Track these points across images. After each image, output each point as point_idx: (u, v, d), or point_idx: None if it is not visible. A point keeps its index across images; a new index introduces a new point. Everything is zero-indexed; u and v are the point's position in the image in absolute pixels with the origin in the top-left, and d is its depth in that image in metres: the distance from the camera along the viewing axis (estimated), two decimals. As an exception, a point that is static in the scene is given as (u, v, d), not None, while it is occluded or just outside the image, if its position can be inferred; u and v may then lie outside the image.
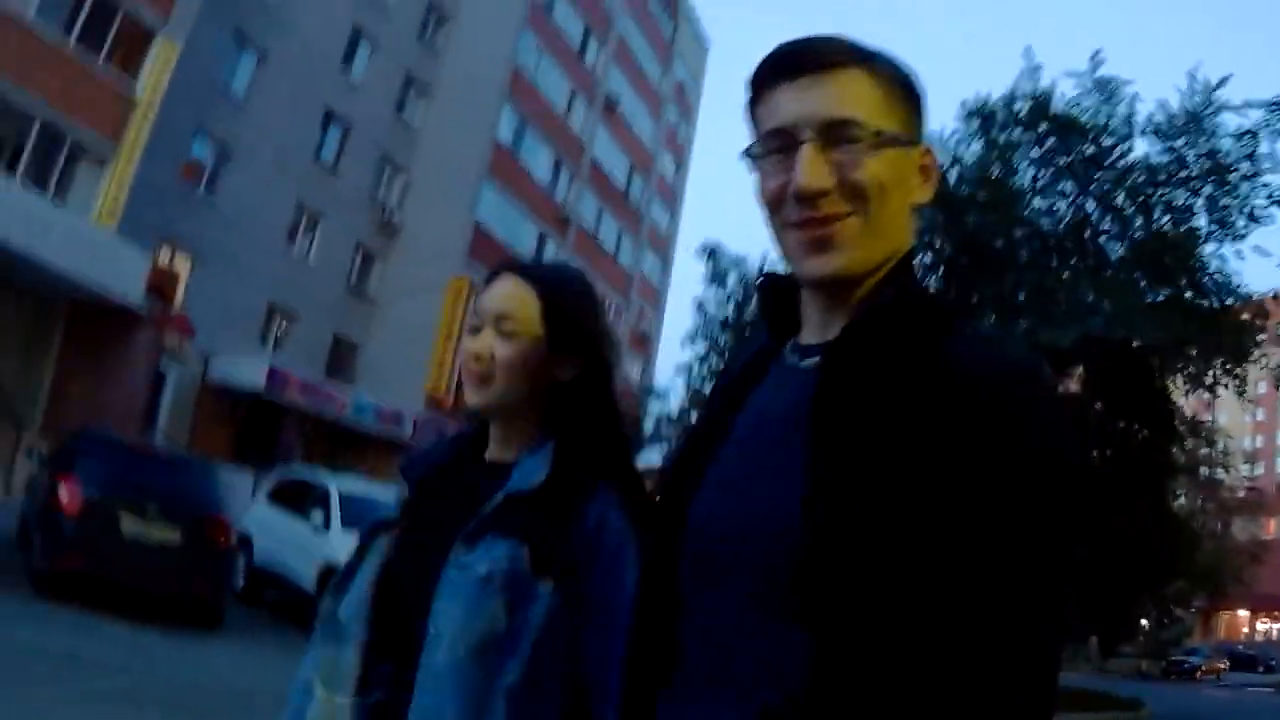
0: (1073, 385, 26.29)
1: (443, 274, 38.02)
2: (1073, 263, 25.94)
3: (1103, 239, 26.65)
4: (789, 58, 1.55)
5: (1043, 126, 25.79)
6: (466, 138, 39.72)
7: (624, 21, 50.82)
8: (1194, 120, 24.51)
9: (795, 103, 1.53)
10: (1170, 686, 50.29)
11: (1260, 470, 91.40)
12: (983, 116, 26.68)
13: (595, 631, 1.96)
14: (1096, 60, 25.44)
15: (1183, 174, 25.03)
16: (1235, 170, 24.46)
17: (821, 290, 1.59)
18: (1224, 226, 24.88)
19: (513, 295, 2.18)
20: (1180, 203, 25.45)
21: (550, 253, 45.04)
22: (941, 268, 27.23)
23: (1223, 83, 24.13)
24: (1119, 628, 41.82)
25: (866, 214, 1.51)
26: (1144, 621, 51.12)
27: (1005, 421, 1.37)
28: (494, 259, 38.75)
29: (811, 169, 1.49)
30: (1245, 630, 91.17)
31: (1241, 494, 63.51)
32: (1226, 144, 24.40)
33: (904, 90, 1.58)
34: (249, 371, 31.26)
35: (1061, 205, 26.88)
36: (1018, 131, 26.20)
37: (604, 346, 2.27)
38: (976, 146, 26.82)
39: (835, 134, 1.50)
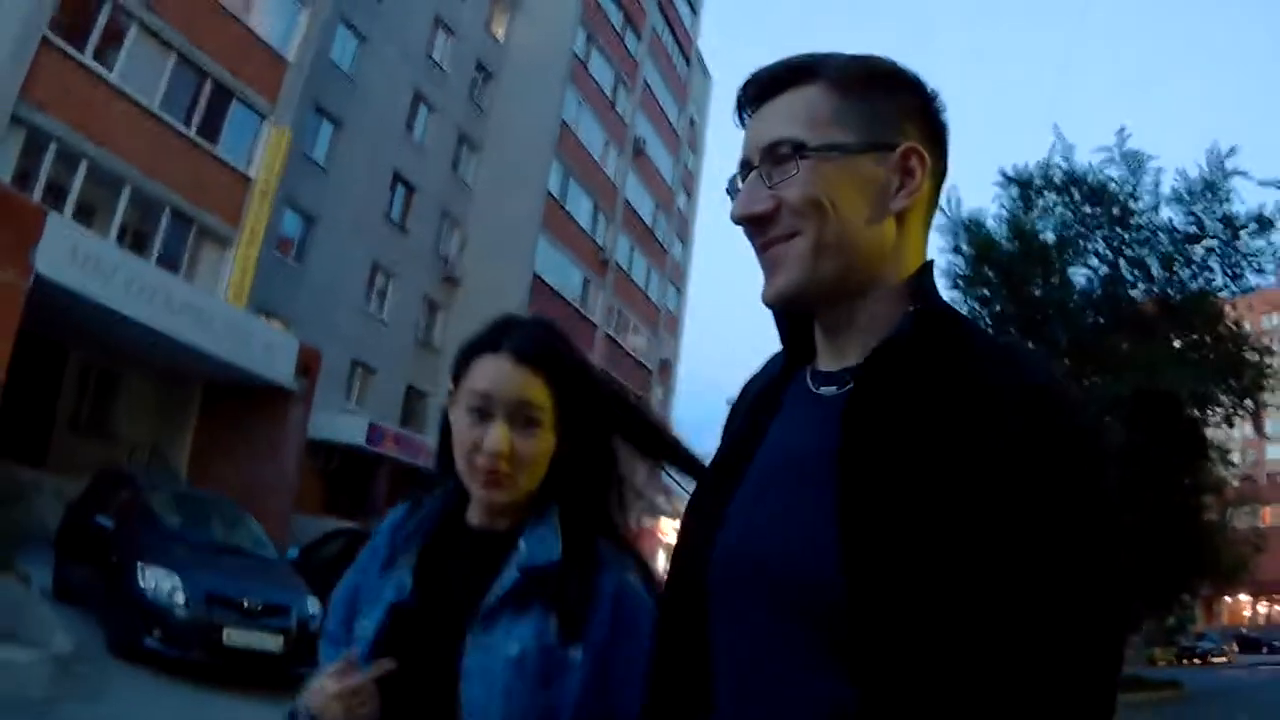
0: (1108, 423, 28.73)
1: (502, 322, 38.79)
2: (1105, 316, 29.89)
3: (1133, 293, 30.31)
4: (749, 87, 1.54)
5: (1075, 192, 29.75)
6: (519, 191, 40.77)
7: (648, 67, 51.95)
8: (1210, 188, 28.25)
9: (751, 132, 1.52)
10: (1188, 671, 52.04)
11: (1252, 458, 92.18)
12: (1020, 183, 30.52)
13: (630, 697, 1.85)
14: (1123, 135, 29.17)
15: (1200, 234, 28.78)
16: (1245, 228, 28.22)
17: (813, 310, 1.55)
18: (1236, 280, 28.88)
19: (527, 383, 2.07)
20: (1199, 259, 29.17)
21: (593, 294, 46.29)
22: (991, 318, 30.48)
23: (1232, 152, 27.90)
24: (1137, 622, 44.25)
25: (806, 233, 1.45)
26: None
27: (1042, 443, 1.32)
28: (552, 308, 40.25)
29: (746, 195, 1.49)
30: (1247, 614, 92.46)
31: (1237, 484, 64.75)
32: (1238, 207, 28.20)
33: (874, 91, 1.50)
34: (350, 428, 32.36)
35: (1094, 262, 30.58)
36: (1052, 196, 30.22)
37: (605, 412, 2.20)
38: (1012, 207, 30.90)
39: (774, 156, 1.47)
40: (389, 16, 35.85)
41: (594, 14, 46.07)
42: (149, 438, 26.10)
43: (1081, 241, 30.51)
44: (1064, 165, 30.04)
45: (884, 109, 1.48)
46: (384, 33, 35.67)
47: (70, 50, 23.56)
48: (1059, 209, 30.57)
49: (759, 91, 1.53)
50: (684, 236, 61.12)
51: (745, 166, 1.52)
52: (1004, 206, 31.21)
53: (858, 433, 1.40)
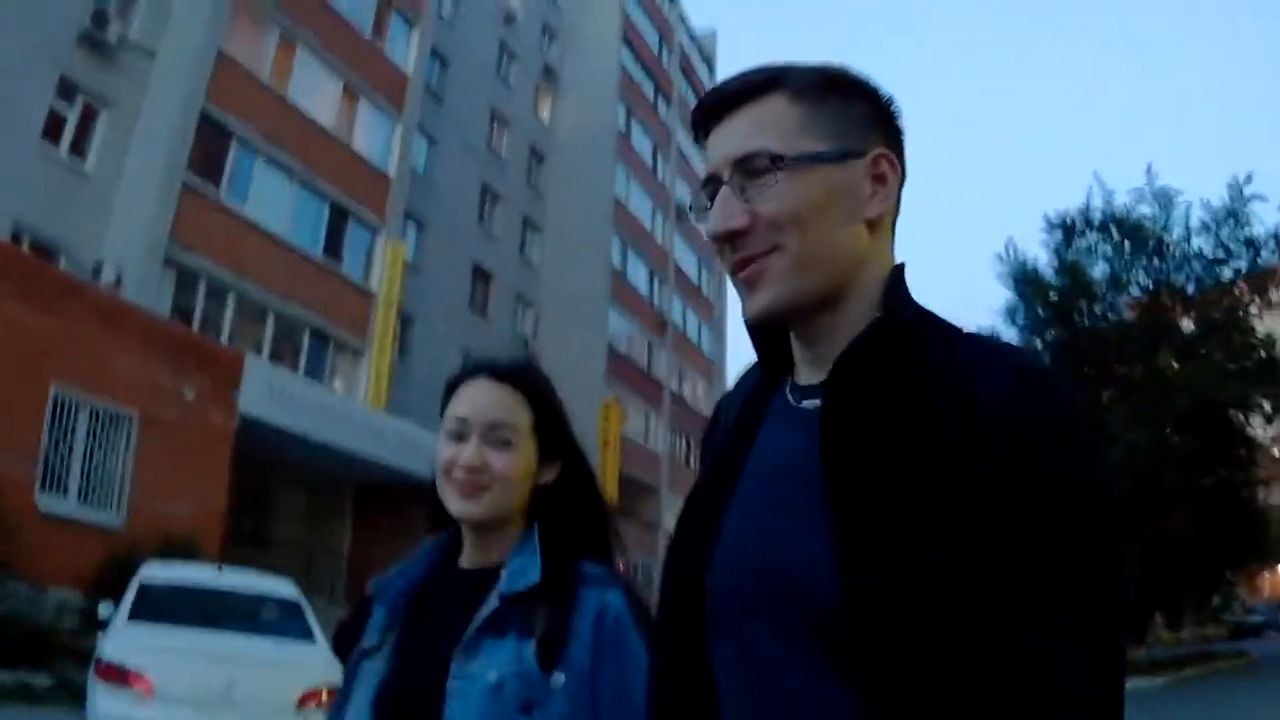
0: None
1: (581, 395, 39.53)
2: (1152, 339, 32.92)
3: (1174, 316, 33.63)
4: (709, 102, 1.49)
5: (1114, 231, 33.16)
6: (583, 267, 41.66)
7: (679, 132, 52.92)
8: (1232, 215, 31.82)
9: (716, 146, 1.46)
10: (1244, 643, 52.81)
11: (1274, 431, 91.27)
12: (1064, 227, 34.08)
13: (616, 713, 1.89)
14: (1152, 173, 32.88)
15: (1227, 257, 32.63)
16: (1265, 248, 31.97)
17: (790, 328, 1.51)
18: (1261, 295, 32.56)
19: (501, 402, 2.08)
20: (1228, 279, 32.93)
21: (656, 356, 47.44)
22: (1044, 347, 34.21)
23: (1249, 179, 31.61)
24: (1185, 604, 45.74)
25: (788, 246, 1.40)
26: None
27: (1033, 433, 1.29)
28: (628, 377, 40.93)
29: (721, 211, 1.42)
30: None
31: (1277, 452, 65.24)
32: (1258, 230, 31.82)
33: (837, 99, 1.46)
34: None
35: (1135, 291, 33.98)
36: (1094, 236, 33.71)
37: (576, 444, 2.20)
38: (1056, 247, 34.39)
39: (747, 170, 1.41)
40: (451, 115, 36.86)
41: (630, 88, 47.14)
42: (302, 543, 26.74)
43: (1124, 275, 33.50)
44: (1102, 208, 33.38)
45: (848, 116, 1.45)
46: (449, 131, 36.70)
47: (207, 190, 24.60)
48: (1101, 246, 33.89)
49: (721, 106, 1.47)
50: (719, 281, 61.79)
51: (712, 182, 1.46)
52: (1050, 248, 34.41)
53: (837, 442, 1.36)
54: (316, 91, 28.13)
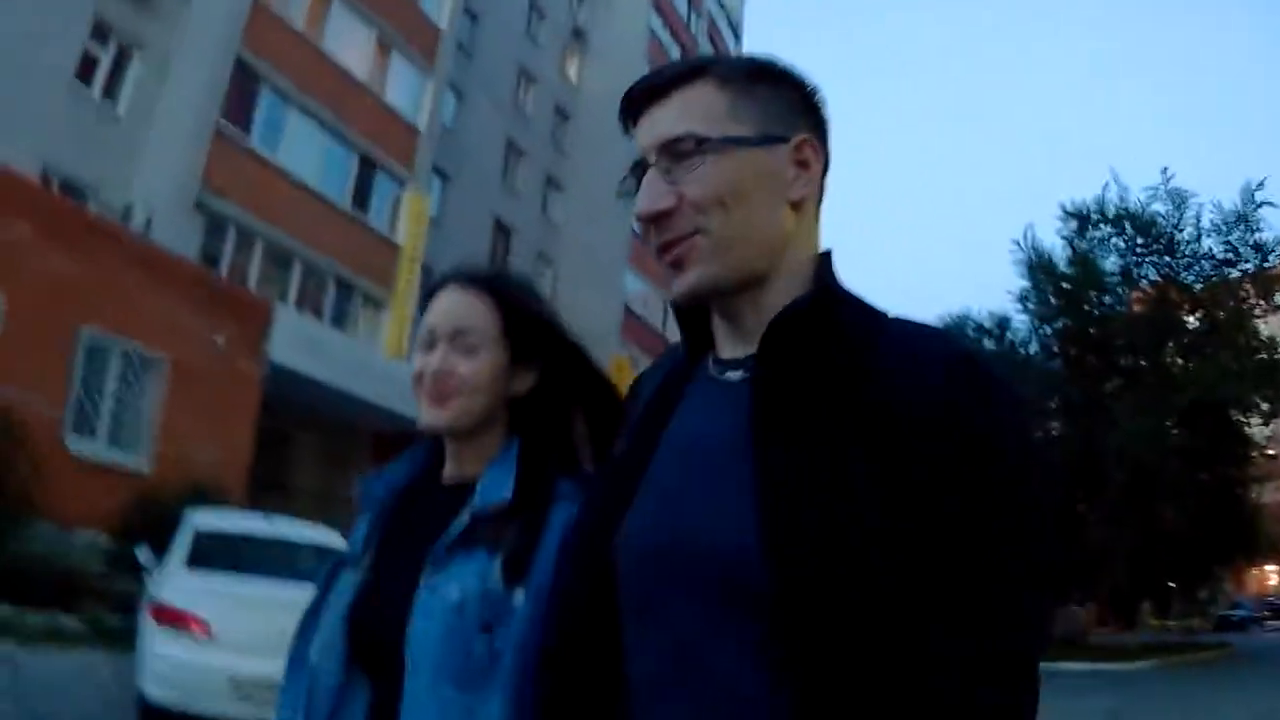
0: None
1: (595, 352, 39.53)
2: (1158, 334, 33.76)
3: (1180, 313, 34.46)
4: (639, 89, 1.50)
5: (1127, 225, 33.88)
6: (603, 227, 41.51)
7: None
8: (1242, 219, 32.66)
9: (644, 131, 1.48)
10: (1227, 636, 53.73)
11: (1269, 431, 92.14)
12: (1079, 217, 34.68)
13: None
14: (1167, 175, 33.55)
15: (1236, 259, 33.47)
16: (1274, 252, 32.81)
17: (714, 307, 1.51)
18: (1267, 299, 33.49)
19: (468, 307, 2.03)
20: (1235, 280, 33.69)
21: (673, 321, 46.92)
22: (1053, 333, 35.70)
23: (1261, 185, 32.37)
24: (1173, 594, 46.33)
25: (711, 228, 1.42)
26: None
27: (962, 411, 1.30)
28: (641, 337, 40.93)
29: (647, 192, 1.44)
30: (1272, 583, 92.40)
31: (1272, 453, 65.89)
32: (1267, 235, 32.61)
33: (764, 86, 1.47)
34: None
35: (1145, 286, 34.89)
36: (1107, 228, 34.41)
37: (563, 349, 2.13)
38: (1070, 237, 35.12)
39: (672, 153, 1.43)
40: (479, 70, 36.76)
41: (658, 53, 46.79)
42: (320, 489, 26.85)
43: (1134, 269, 34.36)
44: (1117, 202, 34.18)
45: (775, 103, 1.46)
46: (477, 87, 36.59)
47: (239, 137, 24.61)
48: (1114, 240, 34.68)
49: (652, 93, 1.48)
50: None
51: (639, 167, 1.47)
52: (1064, 237, 35.25)
53: (768, 410, 1.36)
54: (350, 42, 28.09)
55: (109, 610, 13.64)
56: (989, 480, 1.28)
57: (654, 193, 1.44)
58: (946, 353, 1.35)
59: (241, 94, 24.77)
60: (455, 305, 2.04)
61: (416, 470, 2.15)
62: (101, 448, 17.51)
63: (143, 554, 10.74)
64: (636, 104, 1.50)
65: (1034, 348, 37.35)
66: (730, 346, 1.51)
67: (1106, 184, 38.62)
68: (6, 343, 15.31)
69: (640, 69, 39.39)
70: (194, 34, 24.15)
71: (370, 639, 1.93)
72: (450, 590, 1.87)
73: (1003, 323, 37.75)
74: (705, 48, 53.37)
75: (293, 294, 25.87)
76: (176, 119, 23.30)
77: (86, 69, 22.69)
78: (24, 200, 16.70)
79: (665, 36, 48.48)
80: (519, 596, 1.84)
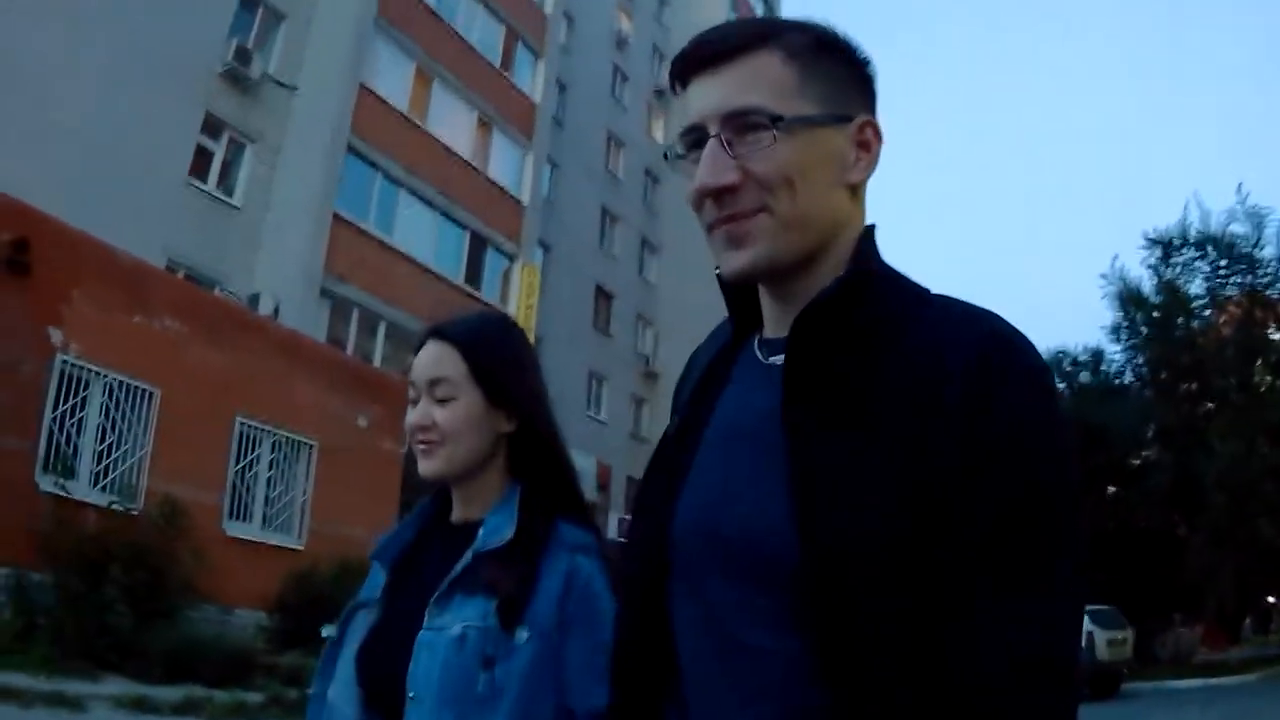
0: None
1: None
2: (1246, 354, 33.08)
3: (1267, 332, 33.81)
4: (697, 51, 1.42)
5: (1210, 249, 33.51)
6: (699, 284, 41.52)
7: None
8: None
9: (703, 97, 1.40)
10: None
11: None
12: (1162, 244, 34.32)
13: (584, 675, 1.89)
14: (1242, 192, 34.29)
15: None
16: None
17: (763, 285, 1.48)
18: None
19: (439, 360, 2.09)
20: None
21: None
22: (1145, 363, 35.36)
23: None
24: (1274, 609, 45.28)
25: (776, 207, 1.36)
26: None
27: (995, 392, 1.26)
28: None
29: (711, 166, 1.38)
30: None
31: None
32: None
33: (828, 61, 1.42)
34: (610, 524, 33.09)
35: (1230, 308, 34.24)
36: (1189, 253, 34.04)
37: (535, 393, 2.18)
38: (1155, 264, 34.67)
39: (738, 125, 1.37)
40: (571, 139, 37.32)
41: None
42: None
43: (1219, 291, 34.07)
44: (1199, 225, 33.67)
45: (838, 80, 1.42)
46: (570, 156, 37.20)
47: (356, 222, 25.17)
48: (1198, 264, 34.28)
49: (712, 57, 1.41)
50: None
51: (694, 132, 1.41)
52: (1149, 265, 34.91)
53: (798, 397, 1.34)
54: (452, 122, 28.61)
55: (281, 684, 13.78)
56: (1016, 474, 1.24)
57: (718, 166, 1.37)
58: (980, 333, 1.31)
59: (355, 179, 25.35)
60: (428, 358, 2.10)
61: (426, 519, 2.20)
62: (256, 530, 17.80)
63: (328, 630, 10.84)
64: (692, 65, 1.43)
65: (1129, 377, 37.37)
66: (775, 326, 1.47)
67: (1187, 207, 38.55)
68: (166, 436, 15.67)
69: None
70: (303, 123, 24.85)
71: (378, 676, 1.98)
72: (452, 627, 1.92)
73: (1097, 355, 37.84)
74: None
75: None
76: (293, 207, 23.92)
77: (201, 162, 23.38)
78: (175, 297, 17.11)
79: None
80: (520, 635, 1.90)
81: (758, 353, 1.48)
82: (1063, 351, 37.98)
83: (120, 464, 15.24)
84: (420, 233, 27.06)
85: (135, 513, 14.49)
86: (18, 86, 19.01)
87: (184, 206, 22.44)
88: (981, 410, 1.25)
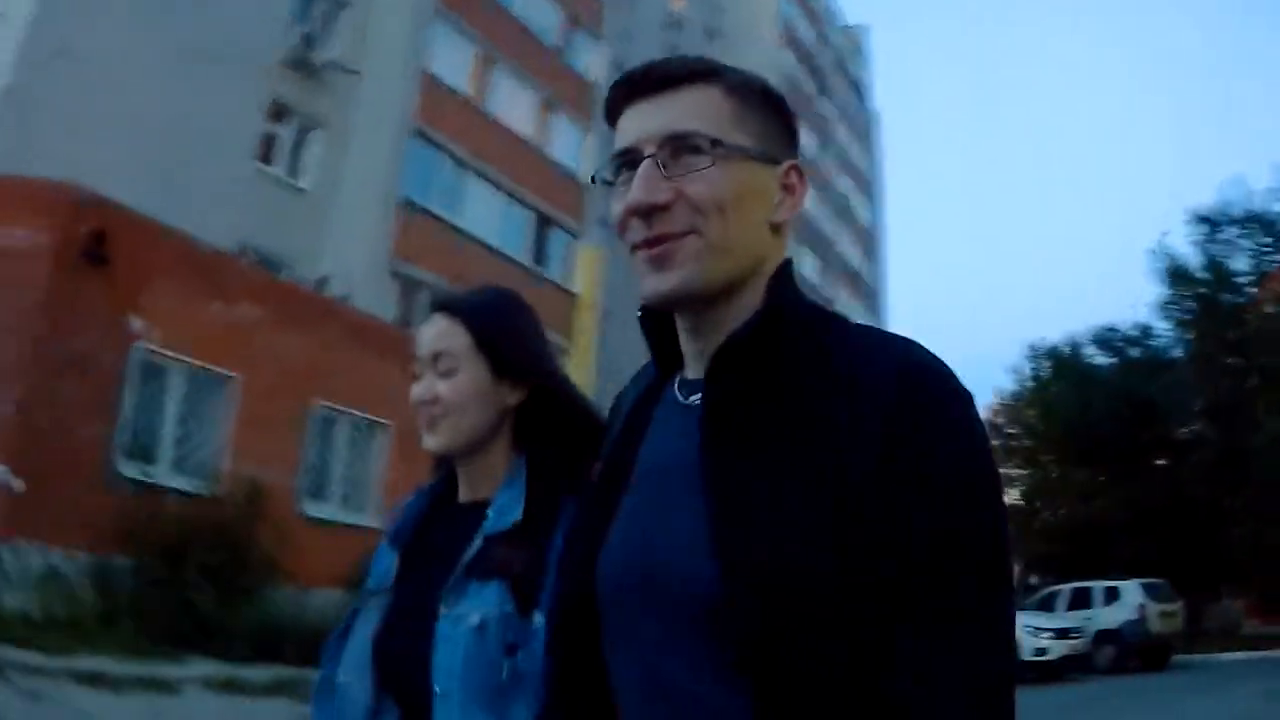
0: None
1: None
2: None
3: None
4: (636, 78, 1.42)
5: (1255, 227, 33.88)
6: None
7: (839, 126, 52.64)
8: None
9: (640, 122, 1.39)
10: None
11: None
12: (1208, 221, 34.67)
13: None
14: None
15: None
16: None
17: (680, 313, 1.44)
18: None
19: (442, 333, 2.03)
20: None
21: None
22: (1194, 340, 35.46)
23: None
24: None
25: (706, 231, 1.35)
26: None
27: (917, 421, 1.24)
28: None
29: (644, 184, 1.35)
30: None
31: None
32: None
33: (762, 104, 1.43)
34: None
35: (1274, 284, 34.23)
36: (1234, 230, 34.43)
37: (545, 362, 2.12)
38: (1202, 242, 35.03)
39: (675, 148, 1.36)
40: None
41: (790, 85, 46.84)
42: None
43: (1264, 267, 34.45)
44: (1244, 203, 34.06)
45: (771, 124, 1.43)
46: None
47: (424, 204, 25.25)
48: (1242, 240, 34.76)
49: (656, 83, 1.40)
50: (879, 274, 61.37)
51: (627, 155, 1.40)
52: (1194, 242, 35.19)
53: (716, 436, 1.32)
54: (513, 105, 28.58)
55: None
56: (938, 505, 1.21)
57: (651, 185, 1.35)
58: (898, 365, 1.28)
59: (421, 163, 25.39)
60: (432, 331, 2.04)
61: (434, 498, 2.13)
62: (334, 510, 17.78)
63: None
64: (633, 91, 1.42)
65: (1177, 353, 37.51)
66: (694, 366, 1.44)
67: (1231, 184, 38.26)
68: (244, 420, 15.71)
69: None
70: (367, 108, 24.98)
71: (395, 665, 1.93)
72: (470, 616, 1.86)
73: (1145, 330, 38.09)
74: (833, 75, 53.34)
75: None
76: (361, 191, 24.03)
77: (268, 148, 23.68)
78: (251, 284, 17.10)
79: (795, 69, 48.38)
80: (539, 618, 1.82)
81: (677, 394, 1.46)
82: (1112, 328, 38.65)
83: (200, 449, 15.33)
84: (486, 214, 27.05)
85: (215, 496, 14.59)
86: (89, 80, 19.22)
87: (252, 191, 22.67)
88: (902, 443, 1.22)
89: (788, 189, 1.42)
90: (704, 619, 1.26)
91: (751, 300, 1.39)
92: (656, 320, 1.48)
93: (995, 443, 40.70)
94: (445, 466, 2.13)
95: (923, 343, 1.34)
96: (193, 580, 12.92)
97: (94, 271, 13.67)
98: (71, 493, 12.95)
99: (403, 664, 1.92)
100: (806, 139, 47.84)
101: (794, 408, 1.29)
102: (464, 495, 2.07)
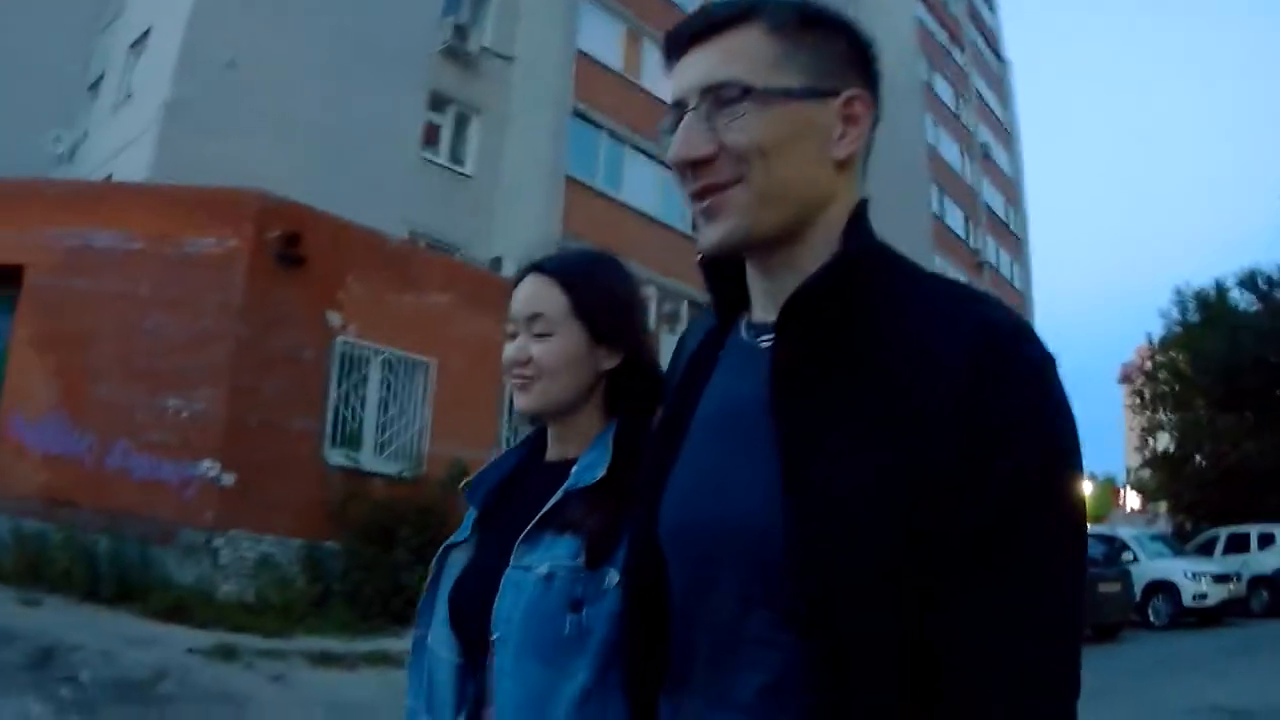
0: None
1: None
2: None
3: None
4: (682, 28, 1.37)
5: None
6: (903, 216, 40.75)
7: (976, 75, 51.29)
8: None
9: (685, 73, 1.34)
10: None
11: None
12: None
13: None
14: None
15: None
16: None
17: (748, 256, 1.39)
18: None
19: (539, 295, 1.96)
20: None
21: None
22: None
23: None
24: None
25: (751, 179, 1.28)
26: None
27: (994, 388, 1.16)
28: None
29: (686, 137, 1.31)
30: None
31: None
32: None
33: (816, 35, 1.33)
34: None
35: None
36: None
37: (641, 330, 2.04)
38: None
39: (716, 98, 1.30)
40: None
41: (926, 40, 45.89)
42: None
43: None
44: None
45: (825, 54, 1.33)
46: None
47: (587, 182, 25.26)
48: None
49: (696, 34, 1.35)
50: (1026, 222, 60.05)
51: (678, 107, 1.34)
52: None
53: (787, 383, 1.26)
54: (665, 78, 28.32)
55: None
56: (1013, 462, 1.13)
57: (692, 138, 1.30)
58: (978, 322, 1.19)
59: (580, 140, 25.40)
60: (529, 293, 1.97)
61: (522, 457, 2.08)
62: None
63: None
64: (679, 43, 1.36)
65: None
66: (763, 309, 1.38)
67: None
68: (441, 403, 15.84)
69: (914, 58, 39.37)
70: (524, 91, 25.22)
71: (470, 617, 1.88)
72: (540, 566, 1.80)
73: None
74: (967, 26, 52.33)
75: (653, 318, 26.07)
76: (523, 172, 24.25)
77: (431, 137, 24.02)
78: (438, 272, 17.17)
79: (931, 22, 47.35)
80: (612, 576, 1.74)
81: (745, 335, 1.41)
82: (1256, 270, 37.39)
83: (401, 434, 15.45)
84: (647, 186, 26.70)
85: (418, 478, 14.78)
86: (258, 87, 19.73)
87: (419, 180, 23.04)
88: (981, 405, 1.15)
89: (849, 120, 1.33)
90: (768, 577, 1.22)
91: (824, 239, 1.32)
92: (717, 267, 1.43)
93: (1144, 389, 39.79)
94: (538, 427, 2.08)
95: (1002, 300, 1.28)
96: (403, 559, 13.00)
97: (289, 272, 13.90)
98: (282, 483, 13.33)
99: (474, 612, 1.87)
100: (943, 88, 47.06)
101: (867, 360, 1.22)
102: (552, 454, 2.01)
